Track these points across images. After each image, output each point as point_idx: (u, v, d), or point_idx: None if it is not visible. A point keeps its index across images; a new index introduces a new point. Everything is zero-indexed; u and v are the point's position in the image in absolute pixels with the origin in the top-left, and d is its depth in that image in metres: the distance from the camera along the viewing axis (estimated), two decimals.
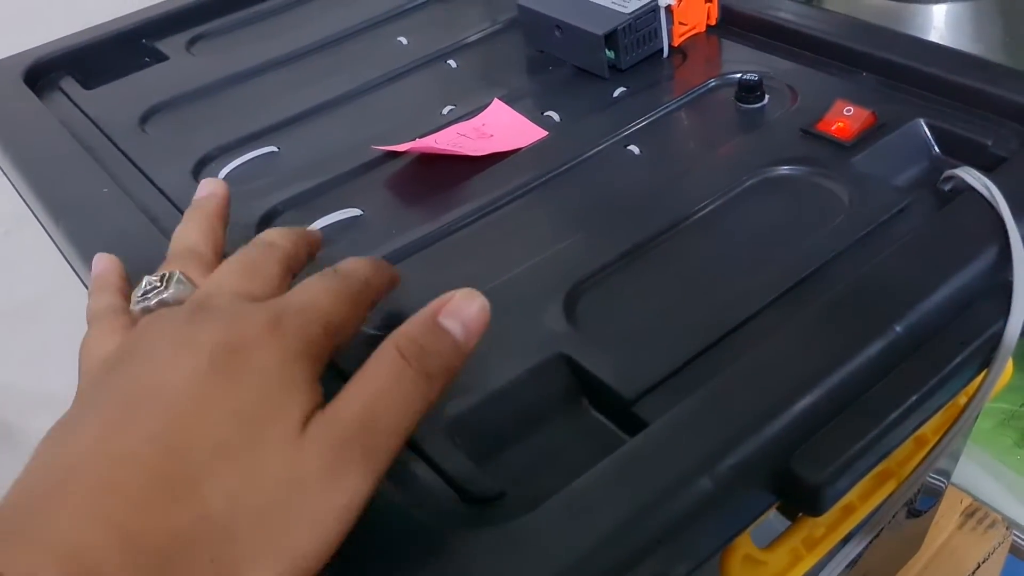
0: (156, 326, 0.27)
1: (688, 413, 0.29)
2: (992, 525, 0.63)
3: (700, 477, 0.28)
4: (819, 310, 0.33)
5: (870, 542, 0.54)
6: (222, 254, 0.34)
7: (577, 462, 0.29)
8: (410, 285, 0.38)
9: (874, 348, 0.31)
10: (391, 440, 0.25)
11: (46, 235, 0.50)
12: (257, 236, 0.33)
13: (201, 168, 0.48)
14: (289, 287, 0.30)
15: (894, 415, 0.31)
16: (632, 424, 0.31)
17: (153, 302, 0.30)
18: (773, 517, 0.34)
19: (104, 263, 0.35)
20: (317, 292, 0.28)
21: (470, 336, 0.28)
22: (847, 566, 0.56)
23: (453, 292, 0.29)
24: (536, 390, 0.33)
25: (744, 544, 0.33)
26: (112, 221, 0.43)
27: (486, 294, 0.36)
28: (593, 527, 0.26)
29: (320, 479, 0.24)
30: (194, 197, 0.37)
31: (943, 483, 0.61)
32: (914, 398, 0.31)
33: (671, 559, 0.29)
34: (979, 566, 0.60)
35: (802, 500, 0.30)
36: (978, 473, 0.70)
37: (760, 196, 0.41)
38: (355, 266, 0.31)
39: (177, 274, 0.30)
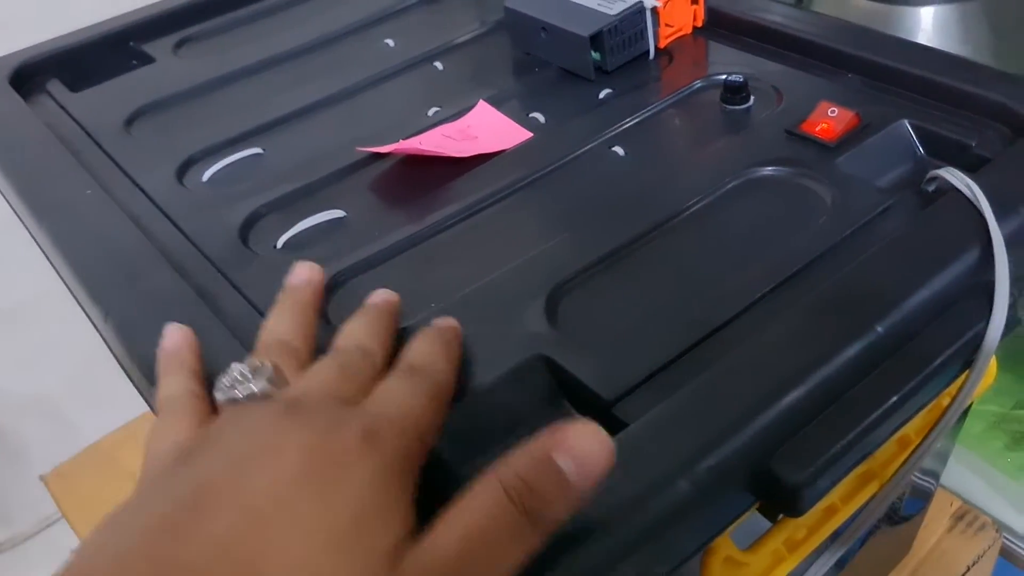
0: (242, 419, 0.25)
1: (667, 414, 0.29)
2: (982, 528, 0.63)
3: (678, 479, 0.27)
4: (800, 310, 0.32)
5: (857, 545, 0.54)
6: (315, 348, 0.32)
7: None
8: (395, 287, 0.38)
9: (855, 348, 0.31)
10: None
11: (32, 242, 0.50)
12: (348, 337, 0.31)
13: (186, 170, 0.48)
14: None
15: (875, 415, 0.31)
16: (612, 425, 0.31)
17: (241, 395, 0.27)
18: (755, 518, 0.34)
19: (176, 338, 0.33)
20: (406, 398, 0.27)
21: (587, 479, 0.24)
22: (835, 568, 0.55)
23: (571, 424, 0.25)
24: (516, 392, 0.32)
25: (725, 545, 0.33)
26: (94, 223, 0.42)
27: (466, 296, 0.36)
28: (572, 529, 0.26)
29: None
30: (287, 282, 0.35)
31: (932, 485, 0.60)
32: (895, 398, 0.31)
33: (650, 561, 0.28)
34: (969, 569, 0.60)
35: (782, 501, 0.30)
36: (968, 476, 0.70)
37: (744, 197, 0.40)
38: (430, 358, 0.30)
39: (270, 367, 0.28)
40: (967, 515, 0.64)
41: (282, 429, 0.24)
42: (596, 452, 0.24)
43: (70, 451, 0.80)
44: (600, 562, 0.26)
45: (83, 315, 0.41)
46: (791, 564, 0.34)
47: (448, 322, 0.33)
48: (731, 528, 0.32)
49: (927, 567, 0.60)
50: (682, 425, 0.29)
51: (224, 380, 0.28)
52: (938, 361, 0.32)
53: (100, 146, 0.50)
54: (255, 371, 0.28)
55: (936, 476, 0.61)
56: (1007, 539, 0.66)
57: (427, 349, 0.31)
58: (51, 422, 0.99)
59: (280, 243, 0.41)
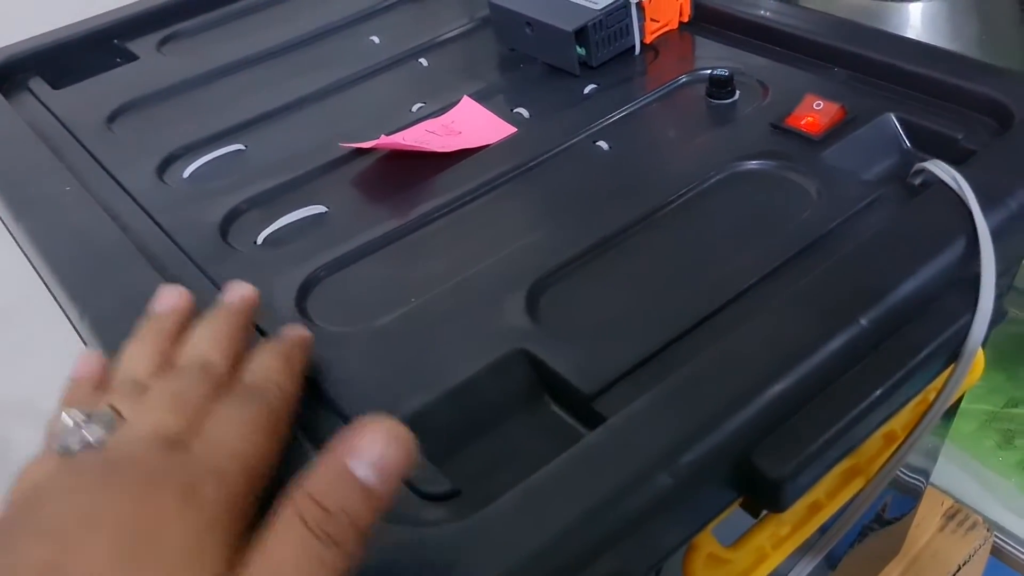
0: (65, 483, 0.24)
1: (647, 407, 0.29)
2: (973, 527, 0.62)
3: (659, 472, 0.27)
4: (784, 303, 0.32)
5: (845, 544, 0.53)
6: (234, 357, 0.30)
7: (537, 459, 0.28)
8: (375, 282, 0.38)
9: (838, 341, 0.31)
10: None
11: (13, 244, 0.49)
12: (191, 348, 0.30)
13: (167, 167, 0.47)
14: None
15: (859, 409, 0.30)
16: (593, 420, 0.30)
17: (75, 446, 0.25)
18: (739, 514, 0.33)
19: (83, 365, 0.31)
20: (235, 433, 0.26)
21: (386, 481, 0.24)
22: (826, 567, 0.55)
23: (362, 423, 0.24)
24: (496, 386, 0.32)
25: (707, 542, 0.32)
26: (72, 220, 0.42)
27: (446, 291, 0.36)
28: (548, 523, 0.26)
29: None
30: (152, 310, 0.33)
31: (922, 484, 0.60)
32: (879, 391, 0.31)
33: (630, 556, 0.28)
34: (960, 568, 0.60)
35: (764, 495, 0.29)
36: (959, 475, 0.69)
37: (729, 190, 0.40)
38: (268, 374, 0.29)
39: (109, 412, 0.27)
40: (958, 514, 0.63)
41: (99, 498, 0.23)
42: (393, 450, 0.24)
43: None
44: (580, 557, 0.26)
45: (62, 320, 0.41)
46: (775, 561, 0.34)
47: (294, 332, 0.32)
48: (713, 524, 0.32)
49: (919, 566, 0.60)
50: (662, 418, 0.28)
51: (59, 426, 0.26)
52: (923, 354, 0.32)
53: (81, 143, 0.50)
54: (92, 416, 0.26)
55: (926, 475, 0.61)
56: (998, 538, 0.66)
57: (266, 364, 0.29)
58: (35, 425, 0.97)
59: (260, 239, 0.41)
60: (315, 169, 0.45)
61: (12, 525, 0.23)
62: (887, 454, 0.36)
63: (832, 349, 0.31)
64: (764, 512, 0.33)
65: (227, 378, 0.29)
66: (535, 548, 0.25)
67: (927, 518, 0.63)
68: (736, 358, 0.30)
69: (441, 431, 0.31)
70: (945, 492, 0.65)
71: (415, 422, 0.30)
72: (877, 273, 0.33)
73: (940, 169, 0.37)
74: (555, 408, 0.32)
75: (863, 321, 0.31)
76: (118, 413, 0.27)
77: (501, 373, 0.32)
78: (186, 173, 0.46)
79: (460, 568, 0.25)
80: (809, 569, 0.37)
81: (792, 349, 0.30)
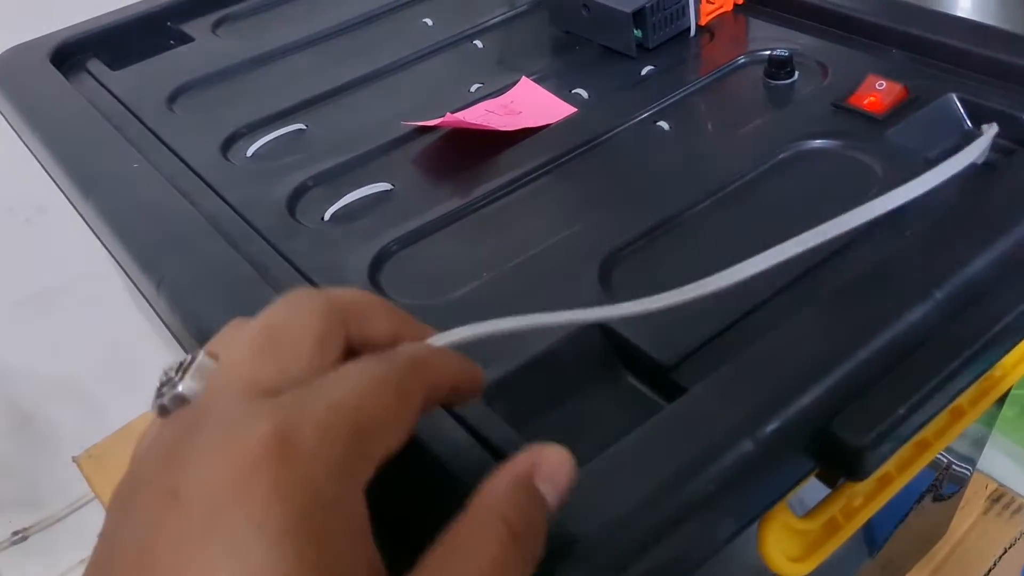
0: (142, 464, 0.21)
1: (729, 376, 0.29)
2: (1018, 511, 0.62)
3: (742, 440, 0.27)
4: (860, 276, 0.32)
5: (893, 524, 0.54)
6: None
7: (615, 428, 0.29)
8: (445, 257, 0.38)
9: (915, 314, 0.31)
10: None
11: (67, 223, 0.49)
12: (286, 296, 0.25)
13: (229, 145, 0.48)
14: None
15: (936, 380, 0.31)
16: (671, 390, 0.31)
17: (167, 399, 0.22)
18: (810, 488, 0.33)
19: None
20: (344, 383, 0.22)
21: (560, 502, 0.23)
22: (871, 548, 0.55)
23: (542, 447, 0.23)
24: (573, 357, 0.32)
25: (782, 513, 0.33)
26: (143, 195, 0.43)
27: (519, 265, 0.36)
28: (631, 490, 0.26)
29: None
30: None
31: (968, 470, 0.60)
32: (956, 363, 0.31)
33: (710, 524, 0.28)
34: (1006, 551, 0.60)
35: (844, 464, 0.30)
36: (1003, 461, 0.69)
37: (794, 169, 0.40)
38: (422, 350, 0.25)
39: (200, 358, 0.23)
40: (1003, 498, 0.63)
41: (176, 463, 0.20)
42: (570, 479, 0.24)
43: (100, 434, 0.81)
44: (662, 524, 0.26)
45: (112, 299, 0.41)
46: (848, 532, 0.34)
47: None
48: (790, 495, 0.32)
49: (963, 548, 0.60)
50: (745, 387, 0.29)
51: (160, 382, 0.23)
52: (999, 326, 0.32)
53: (143, 122, 0.50)
54: (184, 366, 0.23)
55: (972, 463, 0.61)
56: None
57: (415, 343, 0.25)
58: (80, 405, 0.99)
59: (327, 215, 0.41)
60: (377, 147, 0.45)
61: (113, 505, 0.21)
62: (954, 428, 0.37)
63: (909, 321, 0.31)
64: (839, 482, 0.34)
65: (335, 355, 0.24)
66: (619, 517, 0.26)
67: (972, 501, 0.63)
68: (815, 329, 0.30)
69: (520, 400, 0.31)
70: (989, 476, 0.65)
71: (495, 391, 0.31)
72: (952, 246, 0.33)
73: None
74: (631, 379, 0.33)
75: (938, 294, 0.32)
76: (215, 358, 0.23)
77: (578, 345, 0.33)
78: (249, 152, 0.47)
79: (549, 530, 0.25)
80: None
81: (870, 321, 0.30)
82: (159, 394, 0.23)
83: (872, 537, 0.54)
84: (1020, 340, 0.34)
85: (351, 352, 0.24)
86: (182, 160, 0.46)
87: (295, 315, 0.23)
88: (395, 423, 0.22)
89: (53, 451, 0.94)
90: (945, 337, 0.32)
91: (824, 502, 0.34)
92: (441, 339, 0.27)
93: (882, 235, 0.36)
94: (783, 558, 0.33)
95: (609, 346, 0.33)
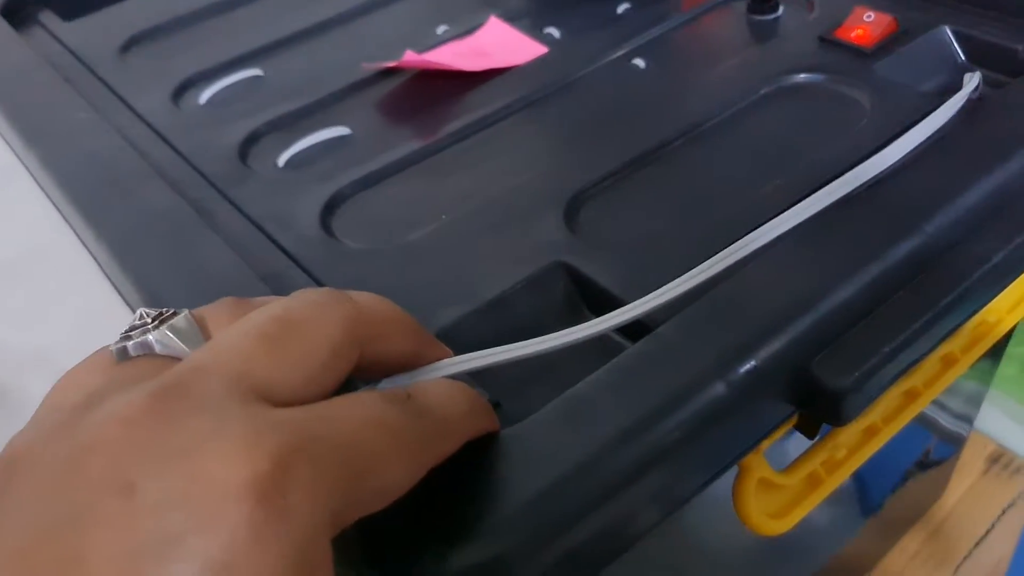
0: (88, 418, 0.17)
1: (700, 315, 0.27)
2: (1018, 471, 0.60)
3: (714, 382, 0.25)
4: (843, 210, 0.30)
5: (890, 487, 0.52)
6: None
7: (578, 372, 0.26)
8: (403, 200, 0.36)
9: (902, 249, 0.29)
10: None
11: (35, 190, 0.47)
12: (308, 290, 0.21)
13: (182, 93, 0.45)
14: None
15: (922, 320, 0.28)
16: (637, 334, 0.29)
17: (132, 344, 0.19)
18: (792, 443, 0.31)
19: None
20: (358, 417, 0.18)
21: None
22: (869, 510, 0.53)
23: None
24: (534, 299, 0.30)
25: (759, 466, 0.30)
26: (87, 144, 0.40)
27: (482, 206, 0.34)
28: (593, 435, 0.24)
29: None
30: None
31: (965, 429, 0.58)
32: (945, 301, 0.28)
33: (680, 472, 0.26)
34: (1004, 511, 0.58)
35: (825, 408, 0.27)
36: (1002, 420, 0.67)
37: (778, 104, 0.38)
38: (441, 399, 0.21)
39: (184, 315, 0.20)
40: (1002, 458, 0.61)
41: (140, 446, 0.16)
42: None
43: None
44: (628, 471, 0.24)
45: (84, 268, 0.39)
46: (830, 487, 0.32)
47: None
48: (766, 444, 0.30)
49: (962, 509, 0.58)
50: (717, 325, 0.26)
51: (131, 324, 0.20)
52: (991, 263, 0.30)
53: (95, 73, 0.48)
54: (162, 316, 0.20)
55: (970, 420, 0.59)
56: None
57: (452, 392, 0.22)
58: (55, 377, 0.97)
59: (281, 161, 0.39)
60: (337, 92, 0.43)
61: (9, 474, 0.17)
62: (945, 377, 0.34)
63: (896, 257, 0.28)
64: (819, 436, 0.31)
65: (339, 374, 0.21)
66: (581, 462, 0.23)
67: (970, 462, 0.61)
68: (795, 264, 0.28)
69: (476, 344, 0.29)
70: (988, 436, 0.63)
71: (449, 335, 0.29)
72: (943, 180, 0.31)
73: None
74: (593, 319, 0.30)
75: (928, 229, 0.29)
76: (203, 326, 0.21)
77: (539, 286, 0.30)
78: (202, 99, 0.45)
79: (501, 481, 0.23)
80: None
81: (854, 255, 0.28)
82: (124, 336, 0.20)
83: (867, 501, 0.52)
84: (1012, 280, 0.32)
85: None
86: (132, 109, 0.44)
87: (318, 317, 0.20)
88: (393, 489, 0.19)
89: (22, 424, 0.91)
90: (933, 275, 0.29)
91: (805, 455, 0.32)
92: (456, 365, 0.24)
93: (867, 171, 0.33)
94: (761, 515, 0.31)
95: (573, 287, 0.31)
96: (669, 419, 0.25)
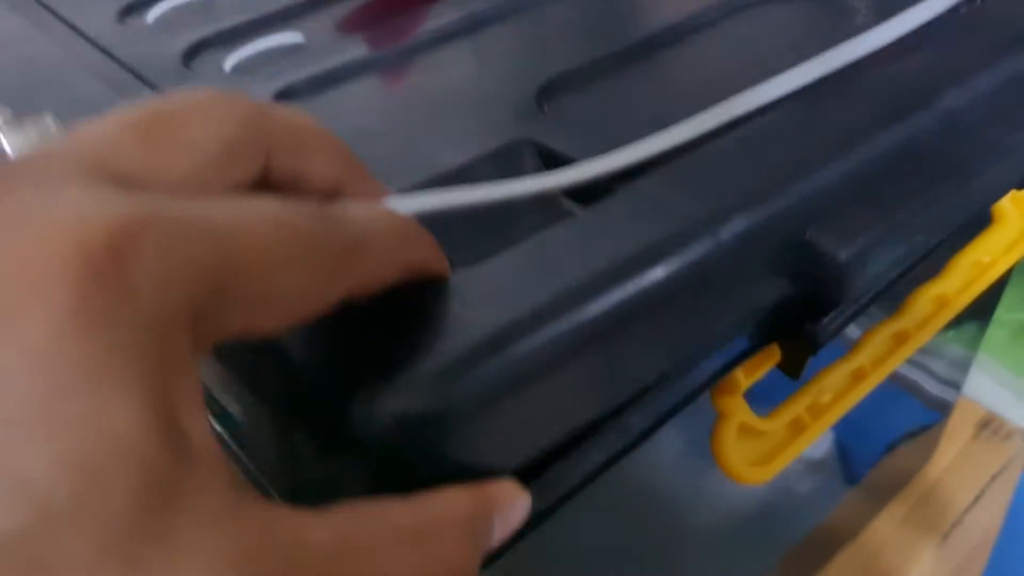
0: None
1: (685, 170, 0.24)
2: (1008, 436, 0.58)
3: (701, 236, 0.22)
4: (846, 82, 0.27)
5: (876, 456, 0.49)
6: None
7: None
8: (358, 103, 0.33)
9: (909, 126, 0.26)
10: None
11: None
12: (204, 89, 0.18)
13: (129, 12, 0.42)
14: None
15: (927, 198, 0.26)
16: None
17: None
18: (774, 388, 0.29)
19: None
20: (246, 213, 0.15)
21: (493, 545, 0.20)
22: (854, 479, 0.51)
23: (510, 486, 0.19)
24: (498, 174, 0.27)
25: (740, 410, 0.28)
26: (20, 51, 0.37)
27: (443, 91, 0.31)
28: (557, 284, 0.20)
29: None
30: None
31: (952, 396, 0.56)
32: (951, 184, 0.26)
33: (652, 343, 0.23)
34: (994, 478, 0.56)
35: (821, 284, 0.24)
36: (992, 386, 0.65)
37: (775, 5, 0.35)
38: (364, 212, 0.18)
39: (46, 117, 0.19)
40: (992, 423, 0.59)
41: None
42: (521, 516, 0.19)
43: None
44: (597, 325, 0.21)
45: None
46: (814, 433, 0.30)
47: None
48: (746, 380, 0.27)
49: (951, 475, 0.56)
50: (705, 180, 0.24)
51: None
52: (1005, 149, 0.27)
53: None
54: (20, 116, 0.18)
55: (957, 386, 0.57)
56: None
57: (380, 212, 0.19)
58: None
59: (228, 66, 0.36)
60: (294, 5, 0.40)
61: None
62: (937, 320, 0.32)
63: (903, 134, 0.26)
64: (805, 377, 0.29)
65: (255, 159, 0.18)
66: (544, 304, 0.20)
67: (960, 427, 0.59)
68: (793, 129, 0.25)
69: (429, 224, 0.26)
70: (978, 403, 0.61)
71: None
72: (954, 58, 0.28)
73: None
74: (567, 204, 0.27)
75: (938, 106, 0.27)
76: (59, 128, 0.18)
77: (504, 161, 0.27)
78: (150, 18, 0.41)
79: (449, 322, 0.20)
80: None
81: (858, 123, 0.26)
82: None
83: (851, 470, 0.50)
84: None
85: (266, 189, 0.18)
86: (72, 27, 0.41)
87: (208, 107, 0.17)
88: (291, 302, 0.16)
89: None
90: (941, 156, 0.27)
91: (789, 400, 0.29)
92: (398, 203, 0.21)
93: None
94: (742, 462, 0.28)
95: (541, 163, 0.28)
96: (647, 271, 0.21)
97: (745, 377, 0.27)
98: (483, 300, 0.20)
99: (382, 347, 0.19)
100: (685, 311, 0.23)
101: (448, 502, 0.17)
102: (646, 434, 0.24)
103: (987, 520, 0.55)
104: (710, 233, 0.22)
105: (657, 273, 0.21)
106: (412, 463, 0.18)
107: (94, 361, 0.12)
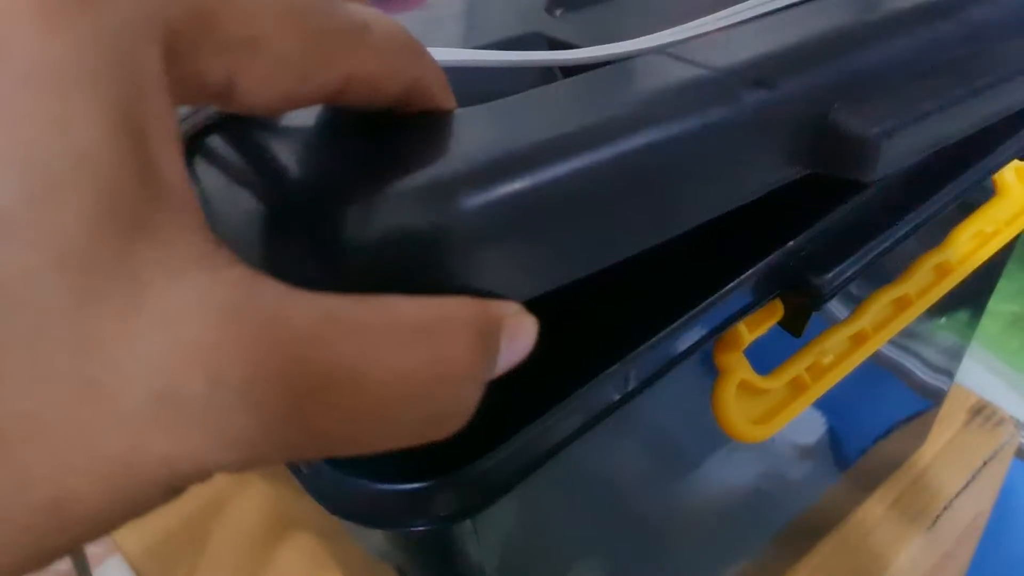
0: None
1: (712, 38, 0.23)
2: (1000, 423, 0.59)
3: (722, 99, 0.21)
4: None
5: (869, 442, 0.49)
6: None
7: None
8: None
9: (944, 26, 0.25)
10: None
11: None
12: None
13: None
14: None
15: (957, 94, 0.24)
16: None
17: None
18: (776, 349, 0.29)
19: None
20: None
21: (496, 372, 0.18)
22: (847, 461, 0.51)
23: (519, 310, 0.18)
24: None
25: (740, 367, 0.28)
26: None
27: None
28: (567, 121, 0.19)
29: None
30: None
31: (945, 384, 0.56)
32: (985, 82, 0.25)
33: (657, 206, 0.21)
34: (985, 464, 0.56)
35: (848, 159, 0.23)
36: (985, 376, 0.66)
37: None
38: (377, 13, 0.17)
39: None
40: (984, 410, 0.59)
41: None
42: (527, 344, 0.18)
43: None
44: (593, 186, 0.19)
45: None
46: (814, 394, 0.30)
47: None
48: (749, 336, 0.27)
49: (943, 460, 0.56)
50: (727, 47, 0.22)
51: None
52: None
53: None
54: None
55: (950, 375, 0.57)
56: None
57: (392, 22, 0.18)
58: None
59: None
60: None
61: None
62: (938, 288, 0.32)
63: (935, 33, 0.25)
64: (806, 336, 0.29)
65: None
66: (545, 140, 0.18)
67: (952, 413, 0.59)
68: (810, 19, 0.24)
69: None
70: (971, 391, 0.62)
71: None
72: None
73: None
74: None
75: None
76: None
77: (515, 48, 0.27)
78: None
79: (453, 152, 0.18)
80: None
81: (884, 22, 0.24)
82: None
83: (843, 455, 0.50)
84: None
85: None
86: None
87: None
88: (283, 69, 0.14)
89: None
90: (973, 60, 0.25)
91: (790, 360, 0.30)
92: None
93: None
94: (742, 419, 0.28)
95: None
96: (664, 125, 0.20)
97: (748, 331, 0.27)
98: (488, 130, 0.19)
99: (384, 160, 0.18)
100: (701, 173, 0.21)
101: (457, 304, 0.15)
102: (649, 382, 0.24)
103: (977, 505, 0.55)
104: (733, 96, 0.21)
105: (673, 128, 0.20)
106: (407, 280, 0.17)
107: (60, 56, 0.11)
